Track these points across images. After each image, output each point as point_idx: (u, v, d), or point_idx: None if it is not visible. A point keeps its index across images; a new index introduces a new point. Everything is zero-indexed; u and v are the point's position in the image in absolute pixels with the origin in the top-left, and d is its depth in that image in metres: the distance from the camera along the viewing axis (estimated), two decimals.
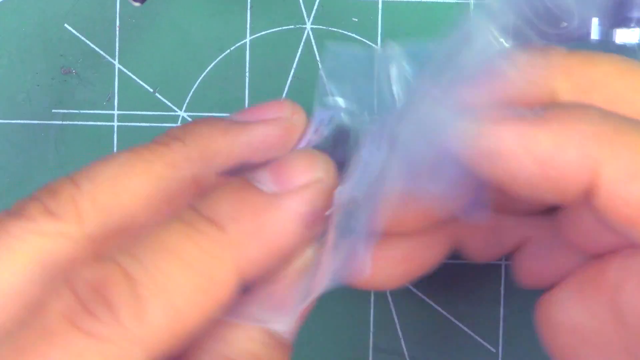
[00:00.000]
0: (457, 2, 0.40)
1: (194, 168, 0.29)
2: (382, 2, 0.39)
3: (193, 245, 0.26)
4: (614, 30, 0.37)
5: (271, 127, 0.29)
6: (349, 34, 0.39)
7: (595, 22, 0.37)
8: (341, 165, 0.29)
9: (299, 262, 0.28)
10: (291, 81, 0.39)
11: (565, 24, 0.37)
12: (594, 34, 0.37)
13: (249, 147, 0.29)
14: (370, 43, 0.31)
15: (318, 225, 0.28)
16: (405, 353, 0.41)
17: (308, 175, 0.28)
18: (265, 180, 0.27)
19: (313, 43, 0.39)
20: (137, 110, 0.40)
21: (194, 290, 0.25)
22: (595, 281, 0.29)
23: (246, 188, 0.27)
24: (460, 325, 0.40)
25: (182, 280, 0.25)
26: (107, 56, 0.40)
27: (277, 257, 0.27)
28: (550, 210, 0.31)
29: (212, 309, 0.26)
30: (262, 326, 0.28)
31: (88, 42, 0.40)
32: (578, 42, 0.38)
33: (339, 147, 0.29)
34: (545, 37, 0.38)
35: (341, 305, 0.40)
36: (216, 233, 0.26)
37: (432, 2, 0.40)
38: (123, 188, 0.28)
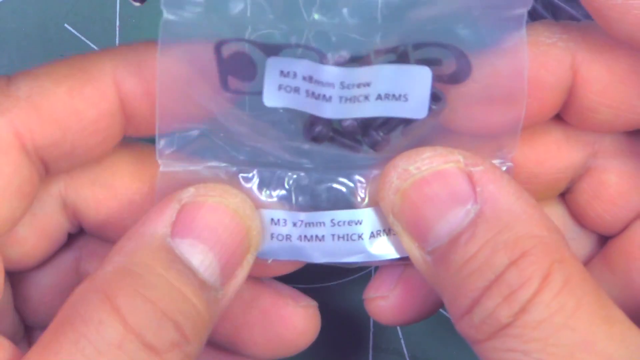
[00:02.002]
0: None
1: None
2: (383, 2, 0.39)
3: None
4: None
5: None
6: None
7: None
8: None
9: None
10: None
11: None
12: None
13: None
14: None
15: None
16: (405, 353, 0.41)
17: None
18: None
19: None
20: None
21: None
22: None
23: None
24: None
25: None
26: None
27: None
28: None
29: None
30: (171, 247, 0.28)
31: (88, 42, 0.40)
32: None
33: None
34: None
35: (341, 305, 0.40)
36: None
37: None
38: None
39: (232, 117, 0.29)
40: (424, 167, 0.28)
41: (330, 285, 0.41)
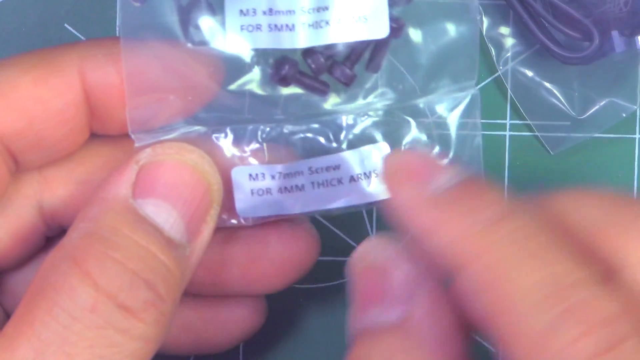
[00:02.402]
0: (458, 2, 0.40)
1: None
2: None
3: None
4: (635, 38, 0.38)
5: None
6: None
7: (616, 35, 0.37)
8: None
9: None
10: None
11: (587, 44, 0.37)
12: (618, 47, 0.37)
13: None
14: (404, 70, 0.31)
15: None
16: None
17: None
18: None
19: None
20: None
21: None
22: None
23: None
24: None
25: None
26: None
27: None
28: None
29: None
30: (136, 209, 0.28)
31: None
32: (603, 59, 0.38)
33: None
34: (570, 61, 0.38)
35: (341, 303, 0.40)
36: None
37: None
38: None
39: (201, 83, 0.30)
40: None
41: (330, 286, 0.41)
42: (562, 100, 0.40)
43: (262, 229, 0.32)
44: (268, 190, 0.30)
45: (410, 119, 0.31)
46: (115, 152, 0.32)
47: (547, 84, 0.40)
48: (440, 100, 0.31)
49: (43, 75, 0.29)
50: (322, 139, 0.30)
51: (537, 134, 0.40)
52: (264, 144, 0.30)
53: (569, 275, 0.24)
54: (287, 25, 0.28)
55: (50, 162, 0.31)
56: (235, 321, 0.34)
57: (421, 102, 0.31)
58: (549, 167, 0.41)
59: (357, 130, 0.31)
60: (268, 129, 0.30)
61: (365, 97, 0.31)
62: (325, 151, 0.30)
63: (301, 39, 0.29)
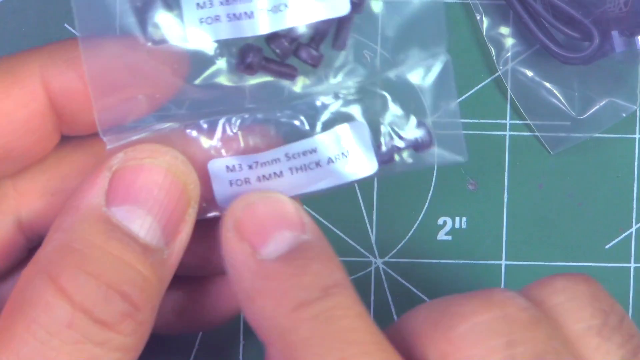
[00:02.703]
0: (457, 2, 0.40)
1: None
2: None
3: None
4: (635, 38, 0.38)
5: None
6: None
7: (615, 35, 0.37)
8: None
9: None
10: None
11: (587, 44, 0.37)
12: (618, 47, 0.37)
13: None
14: (371, 44, 0.31)
15: None
16: None
17: None
18: None
19: None
20: None
21: None
22: None
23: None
24: None
25: None
26: None
27: None
28: None
29: None
30: (111, 218, 0.28)
31: None
32: (603, 59, 0.38)
33: None
34: (570, 61, 0.38)
35: None
36: None
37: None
38: None
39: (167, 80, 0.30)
40: None
41: None
42: (562, 100, 0.40)
43: None
44: (247, 180, 0.30)
45: (384, 93, 0.31)
46: (88, 156, 0.31)
47: (547, 84, 0.40)
48: (412, 70, 0.31)
49: (4, 87, 0.29)
50: (296, 123, 0.30)
51: (537, 134, 0.40)
52: (239, 133, 0.30)
53: (362, 358, 0.26)
54: (245, 13, 0.28)
55: (22, 170, 0.31)
56: (224, 299, 0.34)
57: (393, 75, 0.31)
58: (549, 167, 0.41)
59: (331, 110, 0.31)
60: (240, 120, 0.30)
61: (335, 76, 0.31)
62: (301, 135, 0.30)
63: (262, 26, 0.29)
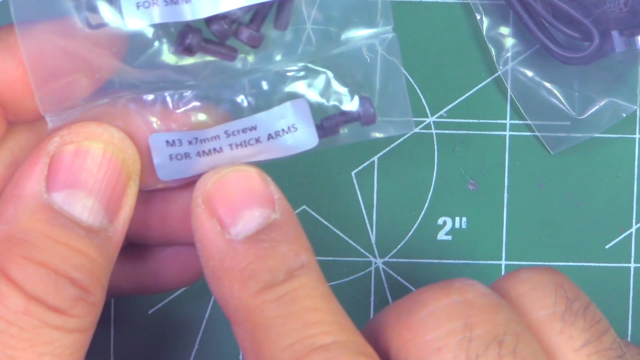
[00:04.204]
0: (457, 2, 0.40)
1: None
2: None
3: None
4: (635, 38, 0.38)
5: None
6: None
7: (615, 35, 0.37)
8: None
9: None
10: None
11: (587, 44, 0.37)
12: (618, 47, 0.37)
13: None
14: (314, 24, 0.31)
15: None
16: None
17: None
18: None
19: None
20: None
21: None
22: None
23: None
24: None
25: None
26: None
27: None
28: None
29: None
30: (50, 206, 0.28)
31: None
32: (603, 59, 0.38)
33: None
34: (570, 61, 0.38)
35: (341, 303, 0.40)
36: None
37: (432, 2, 0.40)
38: None
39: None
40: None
41: (330, 285, 0.41)
42: (562, 100, 0.40)
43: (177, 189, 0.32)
44: (187, 155, 0.30)
45: (328, 71, 0.31)
46: (36, 131, 0.31)
47: (547, 84, 0.40)
48: (357, 48, 0.31)
49: None
50: (238, 101, 0.31)
51: (537, 134, 0.40)
52: (181, 109, 0.30)
53: (322, 338, 0.27)
54: None
55: None
56: (172, 266, 0.34)
57: (337, 52, 0.31)
58: (549, 167, 0.41)
59: (273, 88, 0.31)
60: (181, 96, 0.30)
61: (277, 56, 0.31)
62: (244, 113, 0.31)
63: (201, 8, 0.29)
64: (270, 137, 0.30)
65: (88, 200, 0.28)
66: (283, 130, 0.30)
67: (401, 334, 0.27)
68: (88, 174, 0.28)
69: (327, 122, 0.31)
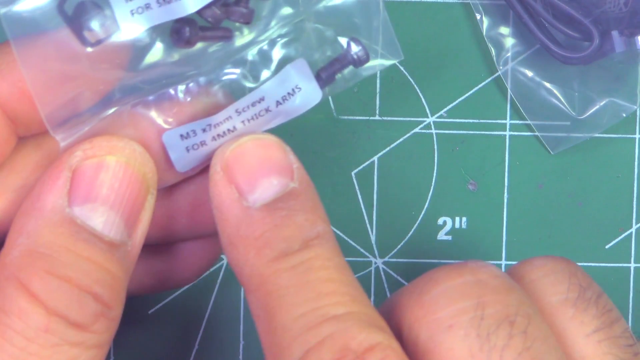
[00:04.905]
0: (457, 2, 0.40)
1: None
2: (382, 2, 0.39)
3: None
4: (635, 38, 0.38)
5: None
6: None
7: (615, 35, 0.37)
8: None
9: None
10: None
11: (587, 44, 0.37)
12: (618, 47, 0.37)
13: None
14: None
15: None
16: None
17: None
18: None
19: None
20: None
21: None
22: None
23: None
24: None
25: None
26: None
27: None
28: None
29: None
30: (73, 219, 0.28)
31: None
32: (603, 59, 0.38)
33: None
34: (570, 61, 0.38)
35: None
36: None
37: (432, 2, 0.40)
38: None
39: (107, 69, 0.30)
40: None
41: None
42: (562, 100, 0.40)
43: (200, 175, 0.32)
44: (202, 143, 0.30)
45: (317, 25, 0.32)
46: (44, 150, 0.31)
47: (547, 84, 0.40)
48: None
49: None
50: (241, 79, 0.31)
51: (537, 134, 0.40)
52: (187, 100, 0.30)
53: (335, 309, 0.27)
54: None
55: None
56: (193, 260, 0.34)
57: (321, 6, 0.32)
58: (549, 167, 0.41)
59: (271, 57, 0.32)
60: (183, 87, 0.31)
61: (268, 24, 0.31)
62: (248, 89, 0.31)
63: (190, 3, 0.29)
64: (278, 103, 0.31)
65: (110, 215, 0.28)
66: (289, 93, 0.31)
67: (413, 311, 0.27)
68: (110, 188, 0.28)
69: (324, 72, 0.31)
